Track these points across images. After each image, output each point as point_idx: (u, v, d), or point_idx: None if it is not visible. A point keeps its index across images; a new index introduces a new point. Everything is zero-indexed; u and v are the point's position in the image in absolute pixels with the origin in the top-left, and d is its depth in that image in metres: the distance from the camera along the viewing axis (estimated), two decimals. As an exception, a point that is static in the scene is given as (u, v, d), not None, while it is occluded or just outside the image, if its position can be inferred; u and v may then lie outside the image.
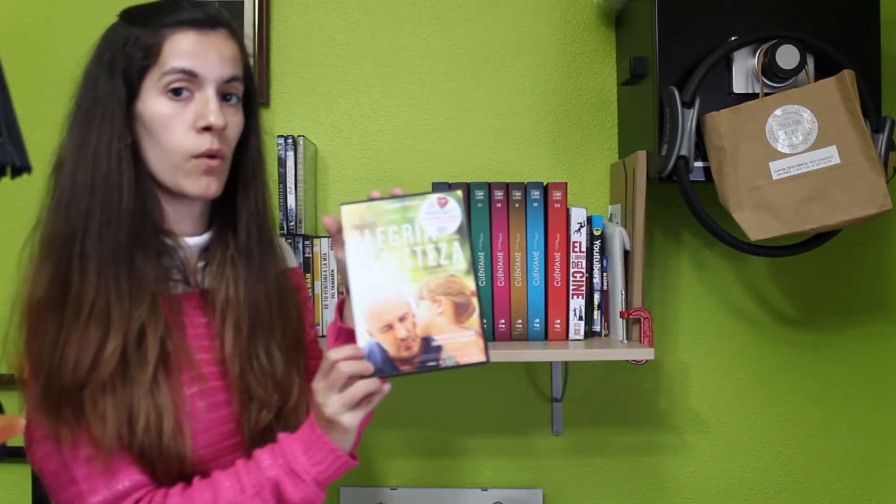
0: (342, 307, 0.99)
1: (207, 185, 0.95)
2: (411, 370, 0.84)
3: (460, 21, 1.68)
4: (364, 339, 0.84)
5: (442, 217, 0.86)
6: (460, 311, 0.85)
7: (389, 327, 0.84)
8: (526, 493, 1.65)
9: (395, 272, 0.85)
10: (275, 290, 1.03)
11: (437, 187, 1.44)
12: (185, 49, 0.92)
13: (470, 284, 0.86)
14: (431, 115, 1.68)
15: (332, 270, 1.50)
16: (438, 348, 0.84)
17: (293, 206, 1.50)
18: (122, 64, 0.92)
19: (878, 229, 1.68)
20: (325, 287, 1.50)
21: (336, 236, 0.91)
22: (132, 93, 0.93)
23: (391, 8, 1.68)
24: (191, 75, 0.92)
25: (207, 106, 0.92)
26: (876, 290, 1.69)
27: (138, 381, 0.89)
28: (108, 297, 0.90)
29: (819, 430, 1.69)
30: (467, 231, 0.87)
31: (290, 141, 1.50)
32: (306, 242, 1.50)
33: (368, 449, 1.68)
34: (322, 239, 1.50)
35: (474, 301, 0.86)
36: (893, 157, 1.39)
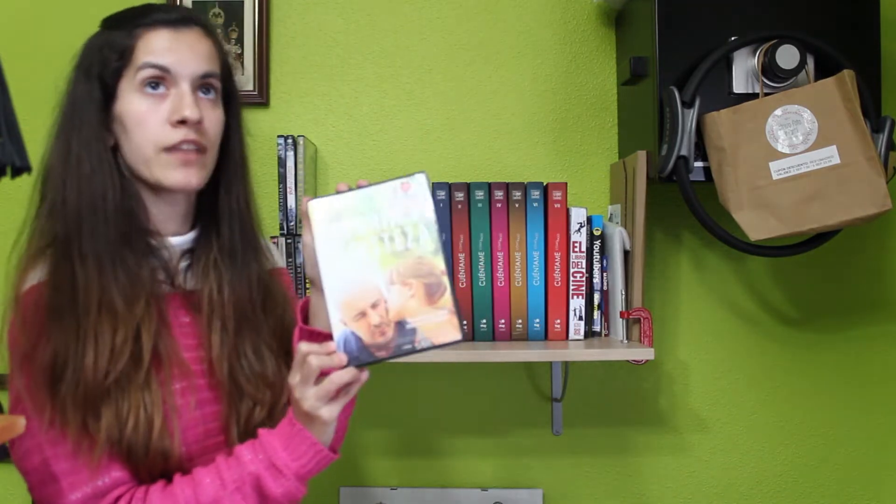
0: (305, 308, 0.98)
1: (187, 178, 0.95)
2: (387, 355, 0.83)
3: (460, 21, 1.68)
4: (339, 329, 0.83)
5: (406, 202, 0.85)
6: (432, 292, 0.84)
7: (363, 315, 0.84)
8: (526, 493, 1.65)
9: (364, 260, 0.84)
10: (259, 290, 1.03)
11: (437, 187, 1.44)
12: (158, 46, 0.93)
13: (439, 264, 0.84)
14: (431, 115, 1.68)
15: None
16: (413, 331, 0.83)
17: (293, 206, 1.50)
18: (97, 68, 0.94)
19: (877, 229, 1.68)
20: (325, 287, 1.50)
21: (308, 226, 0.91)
22: (110, 95, 0.94)
23: (391, 8, 1.68)
24: (164, 70, 0.93)
25: (183, 100, 0.93)
26: (875, 290, 1.69)
27: (132, 379, 0.90)
28: (112, 294, 0.90)
29: (819, 430, 1.69)
30: (433, 212, 0.85)
31: (290, 141, 1.50)
32: (306, 242, 1.50)
33: (368, 449, 1.68)
34: (322, 239, 1.50)
35: (445, 280, 0.84)
36: (893, 157, 1.39)
